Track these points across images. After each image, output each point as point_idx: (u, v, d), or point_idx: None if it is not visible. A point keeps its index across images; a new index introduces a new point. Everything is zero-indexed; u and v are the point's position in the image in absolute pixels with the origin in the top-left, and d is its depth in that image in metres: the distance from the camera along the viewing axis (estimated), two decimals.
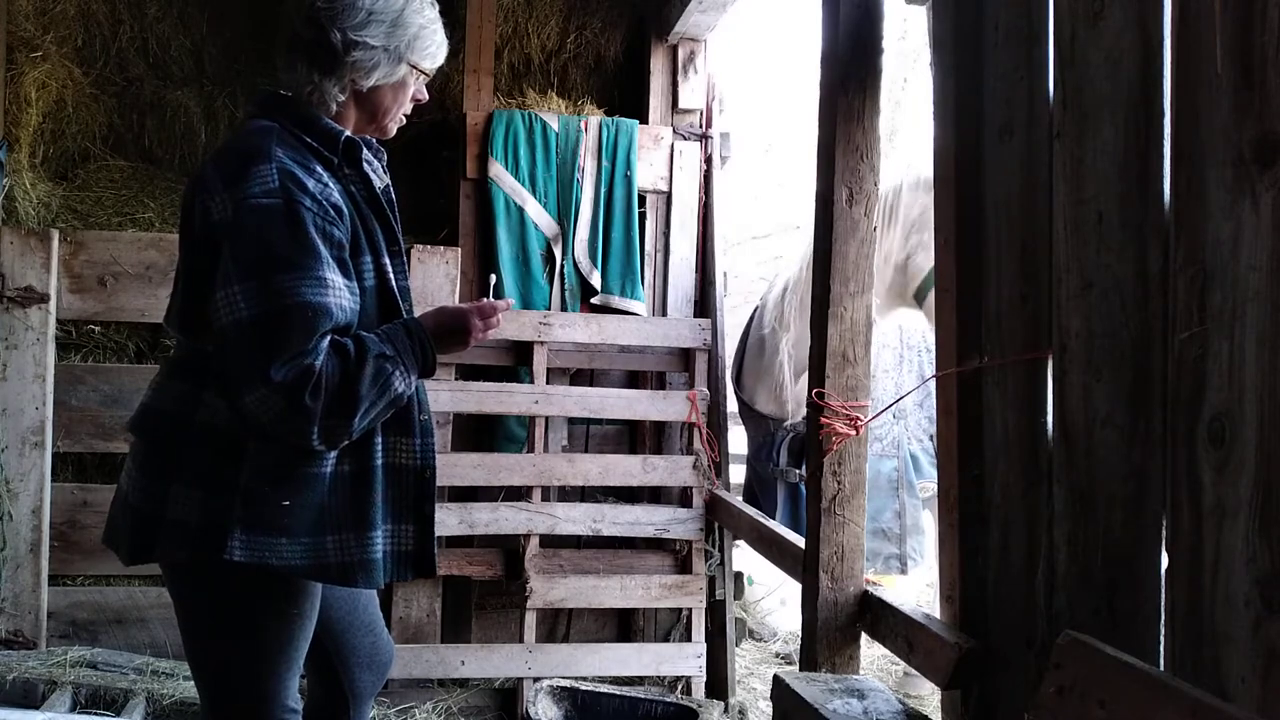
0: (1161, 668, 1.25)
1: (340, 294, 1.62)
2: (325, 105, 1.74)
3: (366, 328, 1.71)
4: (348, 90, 1.74)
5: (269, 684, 1.76)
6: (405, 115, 1.86)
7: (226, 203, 1.59)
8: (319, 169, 1.67)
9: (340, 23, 1.69)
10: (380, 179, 1.85)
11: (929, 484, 3.32)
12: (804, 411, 3.28)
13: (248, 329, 1.57)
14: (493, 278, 2.16)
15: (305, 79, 1.72)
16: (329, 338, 1.61)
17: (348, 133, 1.74)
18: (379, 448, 1.75)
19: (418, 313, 1.84)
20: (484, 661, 3.44)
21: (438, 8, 1.82)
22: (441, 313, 1.79)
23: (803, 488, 3.28)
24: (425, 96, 1.85)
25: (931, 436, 3.31)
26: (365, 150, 1.82)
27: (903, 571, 3.28)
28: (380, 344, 1.66)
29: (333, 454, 1.70)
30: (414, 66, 1.77)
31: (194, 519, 1.65)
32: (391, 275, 1.76)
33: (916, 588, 3.84)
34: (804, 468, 3.27)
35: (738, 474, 4.26)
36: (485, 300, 1.81)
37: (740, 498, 3.72)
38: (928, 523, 3.41)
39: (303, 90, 1.73)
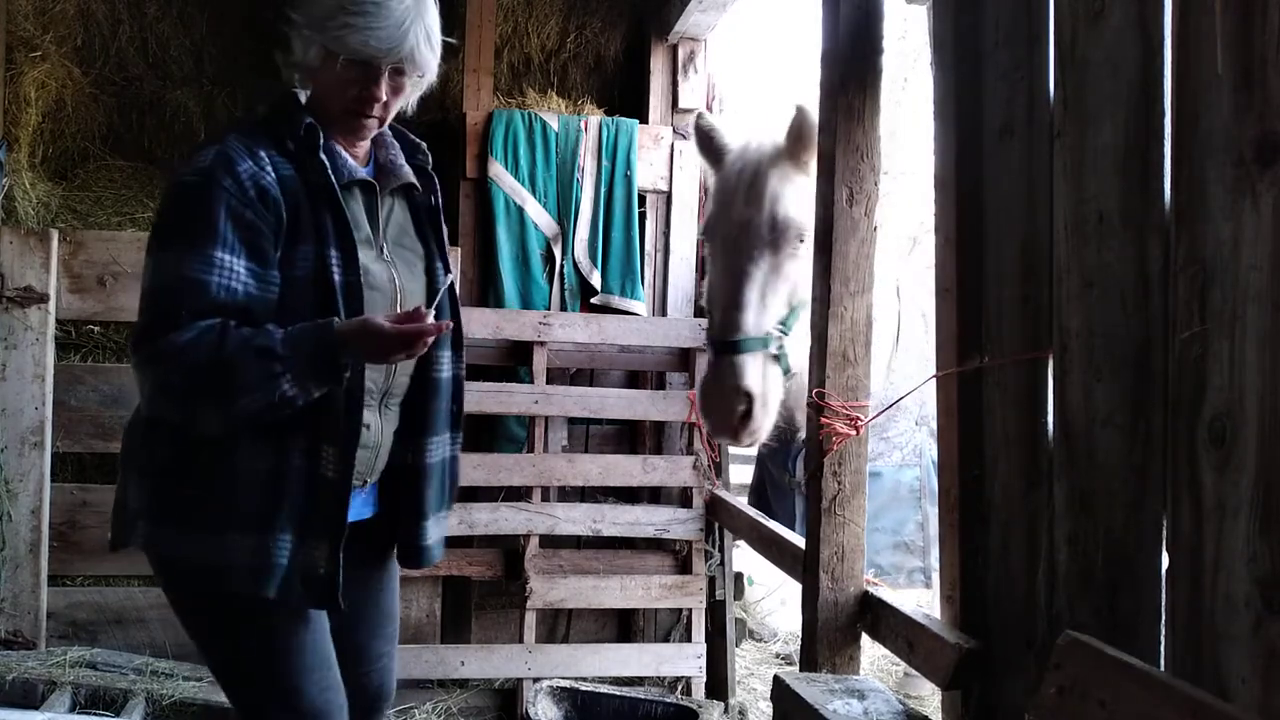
0: (1162, 668, 1.25)
1: (231, 275, 1.58)
2: (304, 95, 1.77)
3: (293, 316, 1.62)
4: (294, 71, 1.75)
5: (277, 684, 1.70)
6: (373, 115, 1.72)
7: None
8: (264, 153, 1.64)
9: (291, 4, 1.70)
10: (400, 177, 1.83)
11: None
12: None
13: (140, 300, 1.63)
14: (447, 282, 1.89)
15: (287, 72, 1.77)
16: (213, 319, 1.56)
17: (310, 120, 1.69)
18: (298, 451, 1.65)
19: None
20: (484, 662, 3.44)
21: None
22: (365, 325, 1.60)
23: None
24: (378, 95, 1.69)
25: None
26: (395, 155, 1.83)
27: (927, 585, 3.22)
28: (276, 341, 1.56)
29: (246, 450, 1.62)
30: (324, 48, 1.66)
31: (131, 506, 1.69)
32: (335, 269, 1.65)
33: (916, 588, 3.83)
34: None
35: (738, 474, 4.26)
36: (415, 323, 1.59)
37: (742, 498, 3.72)
38: None
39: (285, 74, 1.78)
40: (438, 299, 1.79)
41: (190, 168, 1.62)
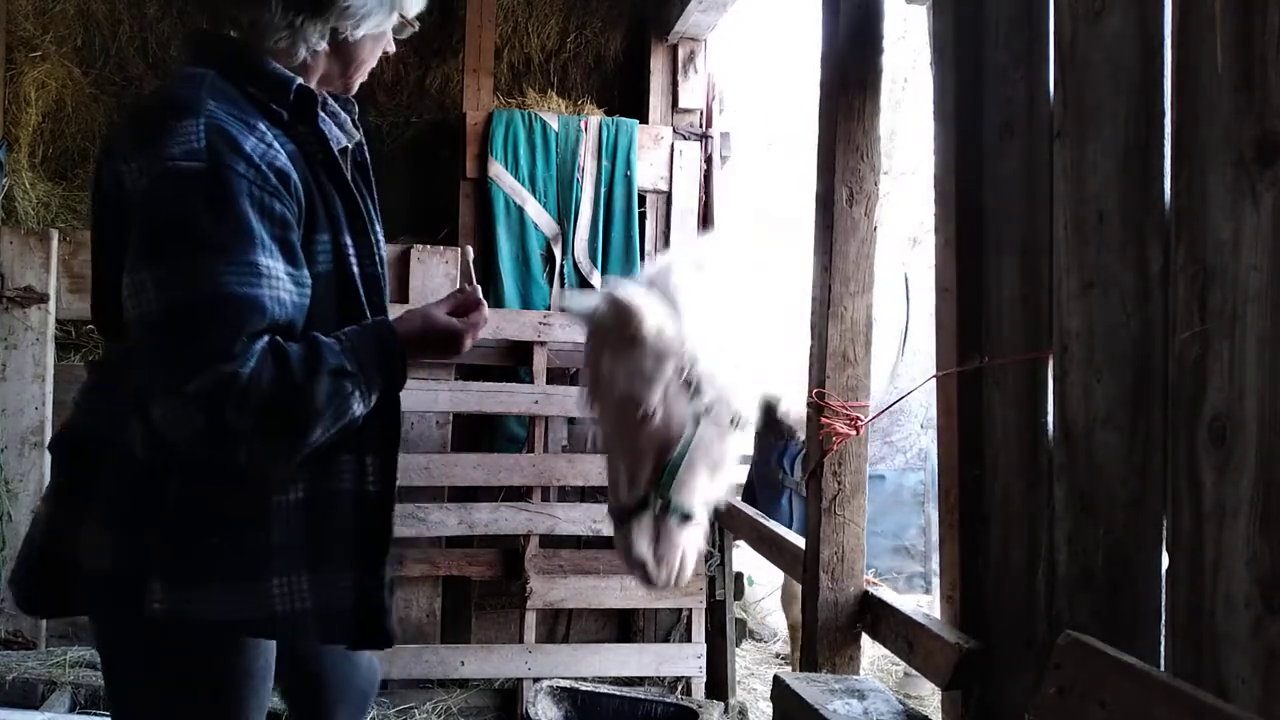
0: (1162, 668, 1.25)
1: (278, 284, 1.32)
2: (293, 54, 1.44)
3: (319, 321, 1.40)
4: (328, 38, 1.45)
5: None
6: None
7: (141, 168, 1.32)
8: (262, 125, 1.37)
9: None
10: (350, 135, 1.57)
11: None
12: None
13: (156, 325, 1.28)
14: (469, 250, 1.77)
15: (278, 22, 1.41)
16: (264, 339, 1.31)
17: (300, 80, 1.44)
18: (344, 468, 1.46)
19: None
20: (484, 662, 3.44)
21: None
22: (429, 323, 1.49)
23: None
24: (394, 48, 1.58)
25: None
26: (331, 103, 1.55)
27: (927, 590, 3.21)
28: (340, 354, 1.36)
29: (282, 480, 1.41)
30: (403, 16, 1.52)
31: (107, 564, 1.37)
32: (354, 259, 1.45)
33: (916, 593, 3.81)
34: None
35: (738, 474, 4.25)
36: (477, 314, 1.53)
37: (740, 496, 3.72)
38: None
39: (269, 36, 1.42)
40: (468, 274, 1.65)
41: (176, 148, 1.28)
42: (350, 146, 1.58)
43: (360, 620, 1.47)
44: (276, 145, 1.37)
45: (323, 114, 1.48)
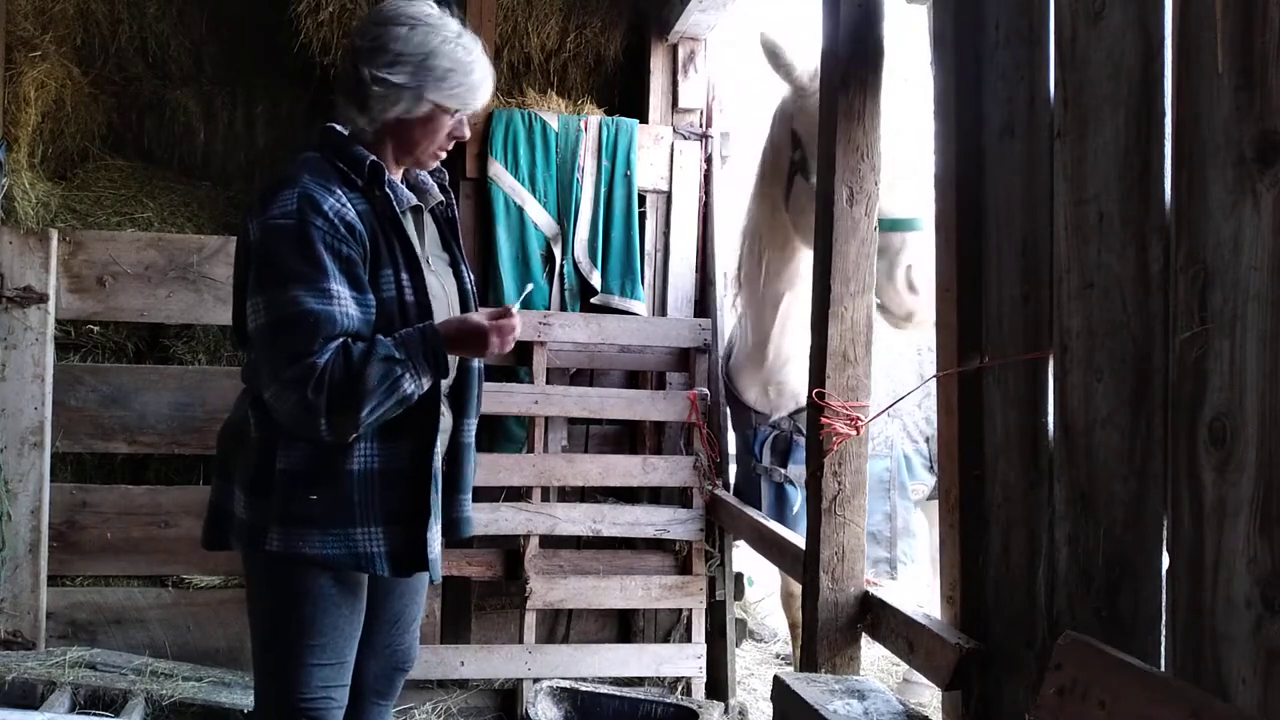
0: (1162, 668, 1.25)
1: (344, 303, 1.77)
2: (361, 134, 1.90)
3: (385, 331, 1.83)
4: (376, 122, 1.89)
5: (293, 670, 1.88)
6: (444, 151, 1.98)
7: (256, 224, 1.81)
8: (340, 190, 1.82)
9: (370, 62, 1.85)
10: (433, 196, 2.03)
11: (920, 485, 3.25)
12: (787, 406, 3.25)
13: (264, 333, 1.79)
14: (529, 287, 2.31)
15: (344, 111, 1.91)
16: (338, 340, 1.76)
17: (373, 158, 1.87)
18: (403, 451, 1.87)
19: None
20: (483, 662, 3.44)
21: (479, 47, 1.94)
22: (463, 323, 1.88)
23: (787, 488, 3.24)
24: (465, 135, 1.98)
25: (929, 438, 3.23)
26: (422, 174, 2.03)
27: (892, 576, 3.23)
28: (392, 347, 1.79)
29: (359, 453, 1.84)
30: (437, 104, 1.88)
31: (243, 515, 1.87)
32: (407, 290, 1.86)
33: (916, 588, 3.81)
34: (788, 467, 3.24)
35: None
36: (506, 320, 1.87)
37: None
38: (919, 525, 3.35)
39: (349, 127, 1.91)
40: (523, 295, 2.18)
41: (276, 210, 1.77)
42: (434, 205, 2.03)
43: (413, 560, 1.89)
44: (349, 204, 1.81)
45: (395, 180, 1.91)
